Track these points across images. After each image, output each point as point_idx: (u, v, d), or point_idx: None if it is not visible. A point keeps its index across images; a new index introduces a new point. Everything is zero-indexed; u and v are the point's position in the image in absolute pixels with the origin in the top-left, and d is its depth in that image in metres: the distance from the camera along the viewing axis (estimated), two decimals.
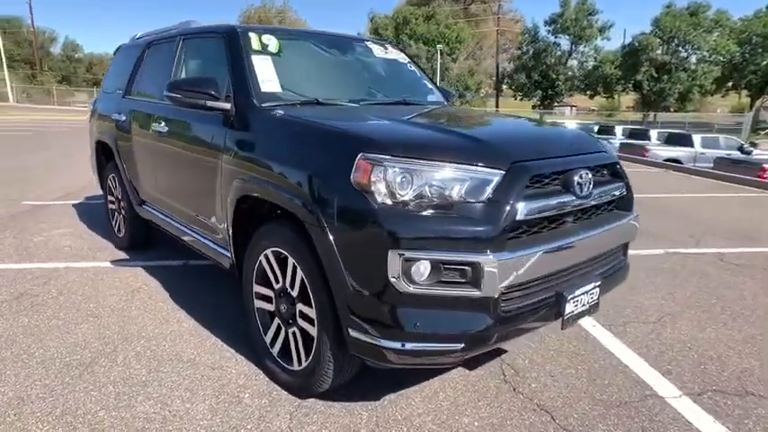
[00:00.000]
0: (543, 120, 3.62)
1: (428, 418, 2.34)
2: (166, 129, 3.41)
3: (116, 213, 4.68)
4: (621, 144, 16.80)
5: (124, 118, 4.10)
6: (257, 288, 2.63)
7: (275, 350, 2.58)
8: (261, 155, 2.53)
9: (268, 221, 2.53)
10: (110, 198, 4.78)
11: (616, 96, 49.06)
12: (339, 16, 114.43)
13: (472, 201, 2.01)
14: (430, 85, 3.87)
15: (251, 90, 2.83)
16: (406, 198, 1.98)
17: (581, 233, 2.29)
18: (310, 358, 2.35)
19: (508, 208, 2.00)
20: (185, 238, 3.45)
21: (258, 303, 2.65)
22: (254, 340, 2.72)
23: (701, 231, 5.93)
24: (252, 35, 3.11)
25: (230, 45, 3.04)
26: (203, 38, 3.40)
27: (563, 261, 2.23)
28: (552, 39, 46.11)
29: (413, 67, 3.88)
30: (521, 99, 49.32)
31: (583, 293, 2.35)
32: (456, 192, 2.01)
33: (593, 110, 60.88)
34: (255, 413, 2.34)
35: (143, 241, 4.54)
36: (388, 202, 1.97)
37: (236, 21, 61.82)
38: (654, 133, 17.63)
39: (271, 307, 2.59)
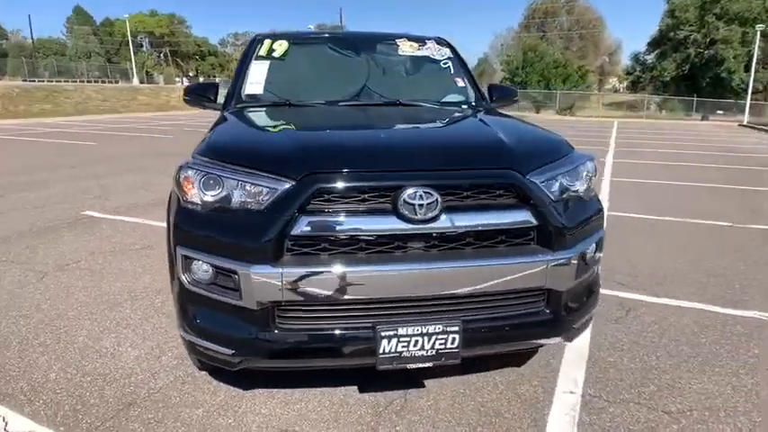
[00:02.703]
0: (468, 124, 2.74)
1: (259, 419, 2.34)
2: None
3: None
4: None
5: None
6: None
7: None
8: None
9: None
10: None
11: None
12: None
13: (254, 209, 1.96)
14: (461, 84, 3.51)
15: (235, 92, 3.18)
16: (208, 200, 2.05)
17: (416, 263, 1.94)
18: None
19: (282, 221, 1.89)
20: None
21: None
22: None
23: None
24: (266, 41, 3.44)
25: (245, 51, 3.44)
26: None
27: (373, 290, 1.93)
28: None
29: (447, 65, 3.58)
30: None
31: (419, 335, 1.98)
32: (246, 198, 2.00)
33: None
34: (152, 370, 2.74)
35: None
36: (195, 202, 2.08)
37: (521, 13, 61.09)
38: None
39: None
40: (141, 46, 73.10)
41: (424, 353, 2.00)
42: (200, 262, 2.01)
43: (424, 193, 1.91)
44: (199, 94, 3.30)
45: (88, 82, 40.13)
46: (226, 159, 2.09)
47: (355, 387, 2.60)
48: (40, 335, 3.10)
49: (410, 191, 1.91)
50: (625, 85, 58.97)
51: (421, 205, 1.91)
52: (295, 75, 3.40)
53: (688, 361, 2.90)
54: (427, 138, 2.45)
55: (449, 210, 1.97)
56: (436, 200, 1.93)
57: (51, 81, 37.76)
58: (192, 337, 2.11)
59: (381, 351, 1.97)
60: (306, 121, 2.76)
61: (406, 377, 2.62)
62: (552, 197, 2.11)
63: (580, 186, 2.30)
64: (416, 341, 1.98)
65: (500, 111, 3.51)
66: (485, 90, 3.71)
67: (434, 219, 1.94)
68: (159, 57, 73.76)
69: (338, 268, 1.89)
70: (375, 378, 2.58)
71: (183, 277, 2.06)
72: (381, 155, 2.08)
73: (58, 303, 3.55)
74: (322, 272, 1.88)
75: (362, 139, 2.35)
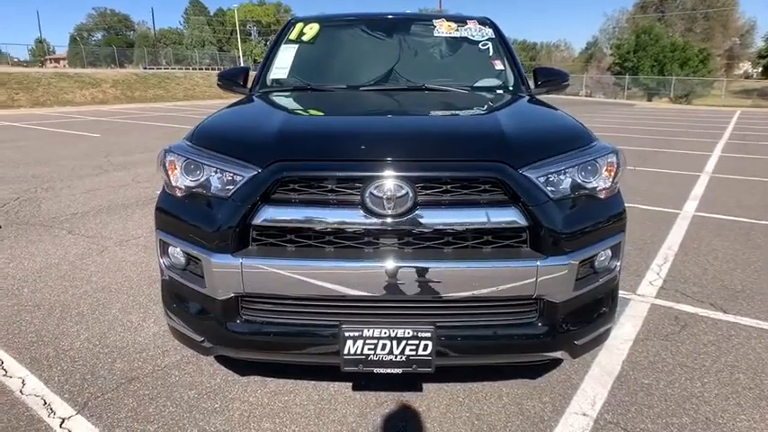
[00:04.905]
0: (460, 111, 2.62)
1: (243, 407, 2.33)
2: None
3: None
4: None
5: None
6: None
7: None
8: None
9: None
10: None
11: None
12: None
13: (223, 196, 1.91)
14: (499, 67, 3.22)
15: (261, 77, 3.17)
16: (188, 185, 2.04)
17: (385, 261, 1.80)
18: None
19: (244, 209, 1.83)
20: None
21: None
22: None
23: None
24: (298, 25, 3.39)
25: (277, 35, 3.42)
26: None
27: (338, 288, 1.82)
28: None
29: (486, 46, 3.31)
30: None
31: (386, 339, 1.85)
32: (221, 185, 1.96)
33: None
34: (164, 347, 2.83)
35: None
36: (177, 186, 2.08)
37: None
38: None
39: None
40: (250, 35, 77.37)
41: (392, 358, 1.85)
42: (174, 247, 2.01)
43: (395, 185, 1.75)
44: (229, 79, 3.33)
45: (200, 69, 43.21)
46: (207, 145, 2.07)
47: (350, 384, 2.51)
48: (81, 305, 3.34)
49: (378, 183, 1.76)
50: (760, 70, 52.47)
51: (389, 199, 1.75)
52: (322, 59, 3.31)
53: (741, 393, 2.46)
54: (418, 126, 2.25)
55: (425, 205, 1.80)
56: (407, 193, 1.76)
57: (168, 68, 41.16)
58: (171, 321, 2.14)
59: (346, 352, 1.85)
60: (310, 107, 2.68)
61: (405, 379, 2.48)
62: (551, 195, 1.85)
63: (599, 183, 2.00)
64: (384, 345, 1.84)
65: (543, 96, 3.20)
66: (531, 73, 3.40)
67: (405, 214, 1.77)
68: (265, 45, 77.49)
69: (301, 262, 1.80)
70: (372, 376, 2.47)
71: (162, 261, 2.07)
72: (354, 144, 1.93)
73: (106, 276, 3.80)
74: (284, 265, 1.80)
75: (345, 127, 2.21)
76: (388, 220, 1.77)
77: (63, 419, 2.24)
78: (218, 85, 3.43)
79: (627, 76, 41.65)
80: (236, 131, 2.21)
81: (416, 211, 1.78)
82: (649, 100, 39.59)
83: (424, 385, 2.49)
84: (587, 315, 2.02)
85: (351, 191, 1.81)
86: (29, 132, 13.55)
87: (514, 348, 1.93)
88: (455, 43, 3.34)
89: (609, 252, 2.02)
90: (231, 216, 1.82)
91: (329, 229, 1.81)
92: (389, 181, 1.75)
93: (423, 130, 2.18)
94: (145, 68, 39.10)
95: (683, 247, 4.55)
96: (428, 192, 1.80)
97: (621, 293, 3.48)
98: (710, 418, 2.28)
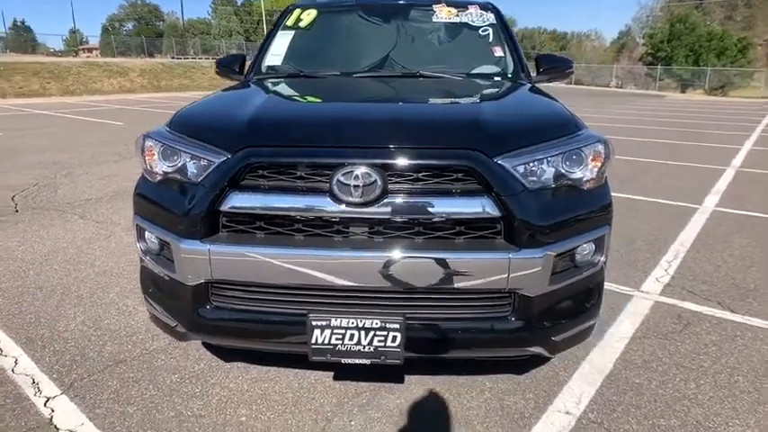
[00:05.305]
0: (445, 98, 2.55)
1: (223, 393, 2.33)
2: None
3: None
4: None
5: None
6: None
7: None
8: None
9: None
10: None
11: None
12: None
13: (195, 182, 1.90)
14: (499, 54, 3.13)
15: (256, 63, 3.16)
16: (165, 170, 2.04)
17: (353, 251, 1.77)
18: None
19: (212, 194, 1.82)
20: None
21: None
22: None
23: None
24: (296, 11, 3.36)
25: (275, 22, 3.40)
26: None
27: (306, 276, 1.79)
28: None
29: (487, 32, 3.21)
30: None
31: (354, 329, 1.82)
32: (195, 171, 1.94)
33: None
34: (154, 332, 2.85)
35: None
36: (154, 171, 2.08)
37: None
38: None
39: None
40: None
41: (360, 348, 1.82)
42: (148, 232, 2.01)
43: (363, 173, 1.71)
44: (226, 66, 3.32)
45: None
46: (184, 131, 2.06)
47: (331, 373, 2.49)
48: (81, 288, 3.41)
49: (346, 170, 1.72)
50: None
51: (357, 186, 1.71)
52: (317, 45, 3.27)
53: (738, 396, 2.35)
54: (393, 113, 2.18)
55: (395, 193, 1.75)
56: (375, 181, 1.71)
57: (195, 58, 41.69)
58: (149, 306, 2.15)
59: (314, 341, 1.83)
60: (293, 93, 2.65)
61: (388, 370, 2.44)
62: (529, 185, 1.78)
63: (584, 173, 1.92)
64: (352, 335, 1.81)
65: (541, 84, 3.10)
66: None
67: (374, 202, 1.73)
68: None
69: (268, 249, 1.78)
70: (355, 366, 2.44)
71: (139, 246, 2.08)
72: (324, 130, 1.90)
73: (109, 261, 3.87)
74: (251, 252, 1.78)
75: (318, 114, 2.18)
76: (356, 208, 1.73)
77: (48, 399, 2.28)
78: (216, 72, 3.43)
79: (659, 67, 40.39)
80: (213, 118, 2.19)
81: (385, 200, 1.73)
82: (683, 92, 38.35)
83: (406, 377, 2.45)
84: (567, 310, 1.95)
85: (319, 178, 1.77)
86: (57, 120, 13.91)
87: (488, 343, 1.88)
88: (455, 29, 3.25)
89: (592, 245, 1.94)
90: (200, 202, 1.82)
91: (297, 217, 1.79)
92: (357, 168, 1.71)
93: (397, 116, 2.12)
94: (173, 58, 39.69)
95: (696, 244, 4.38)
96: (398, 180, 1.76)
97: (624, 290, 3.39)
98: (701, 421, 2.18)
